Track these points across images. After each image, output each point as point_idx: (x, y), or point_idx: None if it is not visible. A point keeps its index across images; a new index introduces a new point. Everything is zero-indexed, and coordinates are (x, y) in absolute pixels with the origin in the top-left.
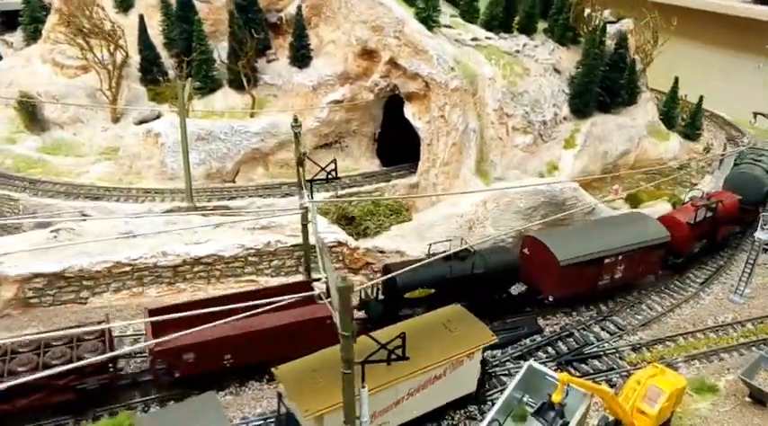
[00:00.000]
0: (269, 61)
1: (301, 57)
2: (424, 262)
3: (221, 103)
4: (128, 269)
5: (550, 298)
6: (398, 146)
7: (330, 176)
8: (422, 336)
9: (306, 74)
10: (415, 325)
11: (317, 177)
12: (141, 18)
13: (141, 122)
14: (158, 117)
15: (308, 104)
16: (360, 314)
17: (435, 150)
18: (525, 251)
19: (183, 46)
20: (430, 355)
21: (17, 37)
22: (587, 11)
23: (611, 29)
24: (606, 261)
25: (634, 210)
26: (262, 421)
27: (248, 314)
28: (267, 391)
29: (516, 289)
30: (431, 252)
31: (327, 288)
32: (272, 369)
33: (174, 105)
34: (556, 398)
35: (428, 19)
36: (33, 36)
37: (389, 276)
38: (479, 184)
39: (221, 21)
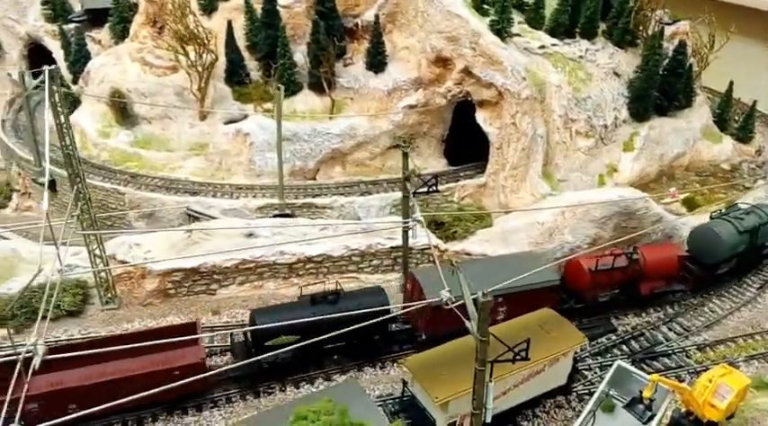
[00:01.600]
0: (345, 65)
1: (377, 62)
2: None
3: (302, 105)
4: (251, 265)
5: (423, 337)
6: (464, 146)
7: (431, 189)
8: (523, 337)
9: (381, 78)
10: (516, 326)
11: (420, 190)
12: (229, 23)
13: (230, 122)
14: (245, 117)
15: (384, 107)
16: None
17: (505, 154)
18: (407, 286)
19: (267, 50)
20: (535, 354)
21: (104, 34)
22: (646, 14)
23: (667, 30)
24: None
25: (530, 251)
26: (381, 402)
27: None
28: (382, 376)
29: (398, 326)
30: (302, 295)
31: (456, 298)
32: (402, 360)
33: (260, 106)
34: (646, 394)
35: (502, 30)
36: (121, 35)
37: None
38: (545, 187)
39: (300, 25)
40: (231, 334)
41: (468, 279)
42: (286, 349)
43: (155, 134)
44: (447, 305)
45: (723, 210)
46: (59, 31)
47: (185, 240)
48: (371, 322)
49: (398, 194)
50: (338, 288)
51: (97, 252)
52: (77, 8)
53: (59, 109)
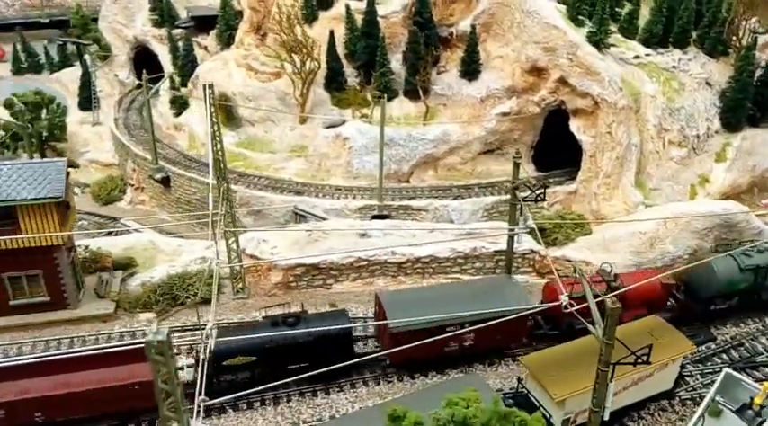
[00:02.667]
0: (439, 73)
1: (471, 70)
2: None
3: (397, 111)
4: (364, 263)
5: (388, 362)
6: (553, 152)
7: (539, 198)
8: (636, 343)
9: (474, 86)
10: (627, 332)
11: (527, 199)
12: (332, 33)
13: (330, 126)
14: (343, 122)
15: (476, 114)
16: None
17: (599, 163)
18: (376, 308)
19: (366, 58)
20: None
21: (210, 40)
22: (739, 23)
23: (760, 40)
24: (450, 329)
25: (503, 275)
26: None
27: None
28: (491, 373)
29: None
30: (266, 315)
31: (573, 299)
32: (519, 358)
33: (357, 111)
34: (758, 401)
35: (599, 42)
36: (227, 41)
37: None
38: (638, 195)
39: (396, 34)
40: (196, 351)
41: (434, 304)
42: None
43: (258, 136)
44: (567, 308)
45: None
46: (168, 36)
47: (306, 238)
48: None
49: (490, 198)
50: (302, 310)
51: (233, 246)
52: (183, 14)
53: (213, 118)
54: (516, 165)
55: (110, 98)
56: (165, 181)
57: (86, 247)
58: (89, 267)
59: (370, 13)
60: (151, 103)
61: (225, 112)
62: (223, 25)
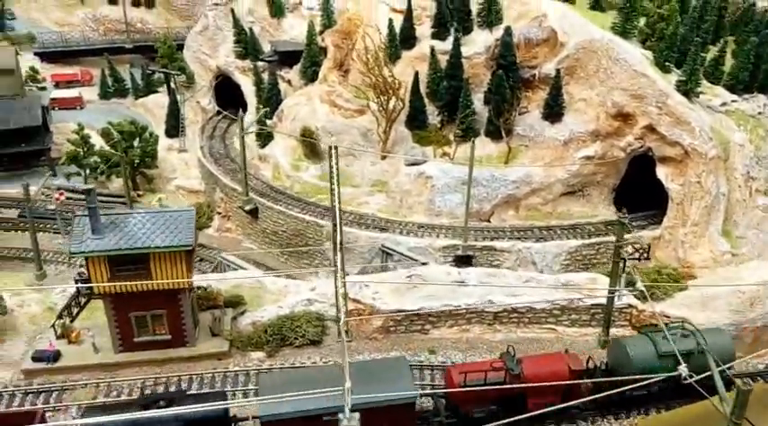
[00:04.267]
0: (521, 114)
1: (554, 113)
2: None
3: (479, 151)
4: (462, 311)
5: None
6: (634, 194)
7: (642, 257)
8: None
9: (557, 128)
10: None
11: (631, 257)
12: (416, 74)
13: (412, 164)
14: (425, 161)
15: (559, 156)
16: None
17: (686, 211)
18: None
19: (449, 98)
20: None
21: (293, 74)
22: None
23: None
24: (326, 419)
25: (400, 356)
26: None
27: None
28: None
29: None
30: (142, 395)
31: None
32: (637, 420)
33: (439, 149)
34: None
35: (689, 91)
36: (311, 77)
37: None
38: (725, 244)
39: (478, 75)
40: None
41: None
42: None
43: (340, 170)
44: (685, 379)
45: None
46: (253, 69)
47: (406, 284)
48: None
49: (573, 242)
50: (181, 389)
51: (342, 291)
52: (266, 48)
53: (333, 163)
54: (621, 225)
55: (193, 125)
56: (254, 213)
57: (200, 288)
58: (201, 304)
59: (455, 55)
60: (235, 134)
61: (308, 146)
62: (308, 61)
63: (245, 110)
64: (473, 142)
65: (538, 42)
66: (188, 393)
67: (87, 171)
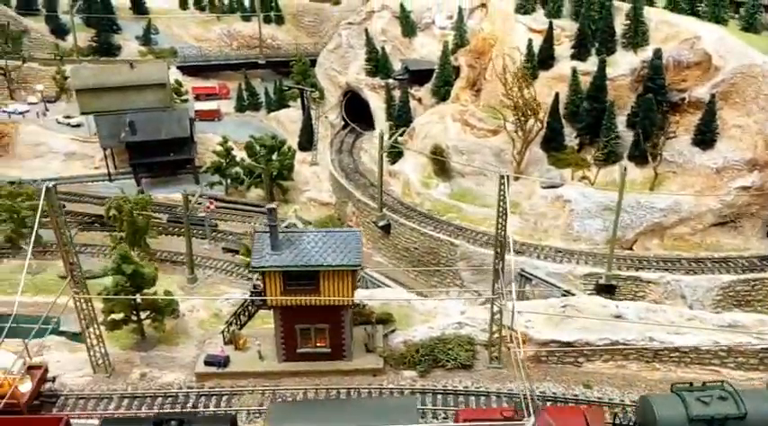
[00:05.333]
0: (668, 138)
1: (707, 139)
2: None
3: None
4: (620, 346)
5: None
6: None
7: None
8: None
9: (709, 155)
10: None
11: None
12: (557, 95)
13: (548, 186)
14: (562, 184)
15: (711, 185)
16: None
17: None
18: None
19: (590, 121)
20: None
21: (424, 92)
22: None
23: None
24: None
25: (411, 397)
26: None
27: None
28: None
29: None
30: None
31: None
32: None
33: (576, 171)
34: None
35: None
36: (443, 95)
37: None
38: None
39: (621, 97)
40: None
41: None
42: None
43: (470, 189)
44: None
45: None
46: (384, 87)
47: (560, 313)
48: None
49: (726, 277)
50: (191, 412)
51: (497, 317)
52: (396, 66)
53: (503, 209)
54: None
55: (323, 139)
56: (387, 228)
57: (357, 304)
58: (355, 320)
59: (600, 77)
60: (362, 148)
61: (438, 164)
62: (440, 80)
63: (371, 125)
64: (624, 168)
65: (688, 65)
66: (198, 415)
67: (229, 180)
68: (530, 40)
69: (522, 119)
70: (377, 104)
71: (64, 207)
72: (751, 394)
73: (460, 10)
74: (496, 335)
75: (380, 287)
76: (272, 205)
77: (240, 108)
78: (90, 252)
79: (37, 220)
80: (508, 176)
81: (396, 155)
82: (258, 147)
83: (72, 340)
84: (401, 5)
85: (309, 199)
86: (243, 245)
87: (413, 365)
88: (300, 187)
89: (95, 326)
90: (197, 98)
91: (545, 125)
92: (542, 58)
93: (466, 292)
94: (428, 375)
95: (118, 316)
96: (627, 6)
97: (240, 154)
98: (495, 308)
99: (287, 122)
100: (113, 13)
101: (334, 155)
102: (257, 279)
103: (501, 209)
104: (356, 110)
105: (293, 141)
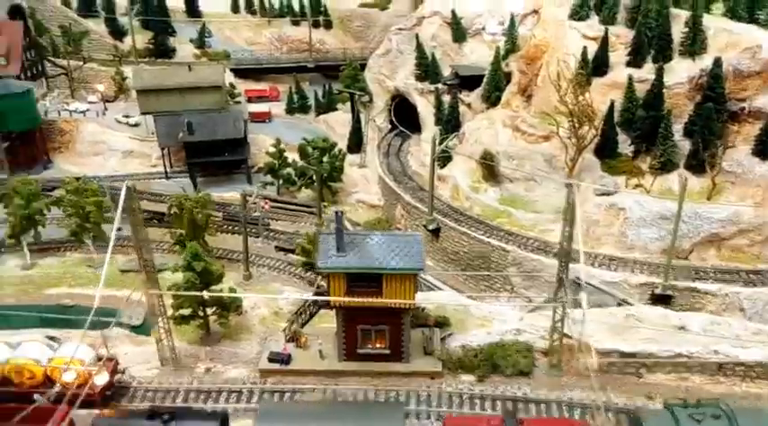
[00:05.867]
0: (727, 148)
1: (767, 149)
2: None
3: (676, 184)
4: (683, 359)
5: None
6: None
7: None
8: None
9: None
10: None
11: None
12: (612, 103)
13: (602, 194)
14: (616, 192)
15: None
16: None
17: None
18: None
19: (645, 129)
20: None
21: (473, 97)
22: None
23: None
24: None
25: (397, 403)
26: None
27: None
28: None
29: None
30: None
31: None
32: None
33: (630, 179)
34: None
35: None
36: (493, 101)
37: None
38: None
39: (678, 106)
40: None
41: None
42: None
43: (519, 194)
44: None
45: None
46: (434, 91)
47: (622, 323)
48: None
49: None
50: (186, 406)
51: (558, 325)
52: (445, 71)
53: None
54: None
55: (371, 142)
56: (436, 232)
57: (416, 307)
58: (412, 322)
59: (658, 85)
60: (410, 152)
61: (487, 169)
62: (491, 86)
63: (417, 129)
64: (684, 177)
65: (749, 74)
66: (192, 410)
67: (281, 181)
68: (584, 47)
69: (577, 125)
70: (425, 109)
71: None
72: (749, 413)
73: (512, 16)
74: (557, 343)
75: (433, 289)
76: (340, 209)
77: (290, 110)
78: (150, 248)
79: (118, 217)
80: (575, 184)
81: (445, 159)
82: (310, 149)
83: (132, 332)
84: (453, 12)
85: (358, 200)
86: (298, 245)
87: (471, 369)
88: (349, 189)
89: (165, 321)
90: (249, 100)
91: (599, 132)
92: (597, 65)
93: (524, 298)
94: (486, 380)
95: (186, 312)
96: (685, 14)
97: (291, 155)
98: (558, 316)
99: (335, 125)
100: (169, 16)
101: (382, 158)
102: (321, 280)
103: (567, 218)
104: (403, 114)
105: (342, 144)
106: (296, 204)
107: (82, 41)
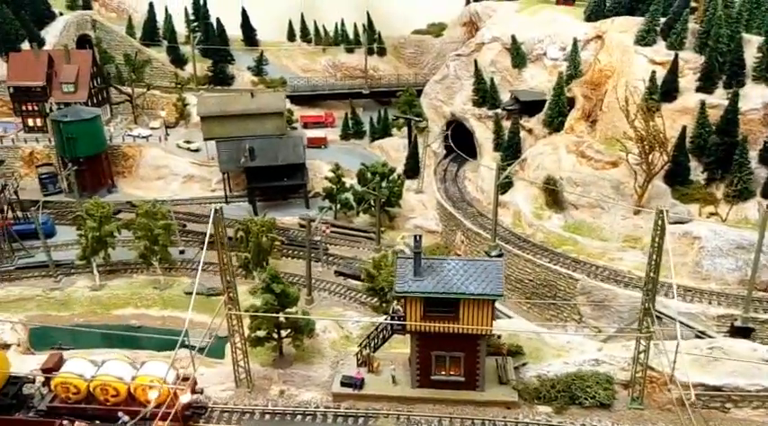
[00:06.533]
0: None
1: None
2: None
3: (753, 212)
4: None
5: None
6: None
7: None
8: None
9: None
10: None
11: None
12: (684, 129)
13: (675, 222)
14: (690, 220)
15: None
16: None
17: None
18: None
19: (719, 155)
20: None
21: (534, 123)
22: None
23: None
24: None
25: None
26: None
27: None
28: None
29: None
30: None
31: None
32: None
33: (703, 207)
34: None
35: None
36: (556, 126)
37: None
38: None
39: (753, 132)
40: None
41: None
42: None
43: (585, 221)
44: None
45: None
46: (493, 117)
47: (706, 355)
48: None
49: None
50: None
51: (641, 357)
52: (504, 97)
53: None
54: None
55: (427, 168)
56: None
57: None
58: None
59: (732, 110)
60: (467, 177)
61: (551, 195)
62: (554, 111)
63: (471, 155)
64: (765, 206)
65: None
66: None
67: (338, 206)
68: (653, 72)
69: (647, 151)
70: (482, 134)
71: (185, 226)
72: None
73: (575, 41)
74: (639, 374)
75: (501, 317)
76: (416, 233)
77: (345, 136)
78: (213, 271)
79: (212, 239)
80: (666, 211)
81: (506, 185)
82: (370, 174)
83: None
84: (513, 37)
85: (416, 226)
86: (363, 270)
87: (548, 400)
88: (406, 214)
89: (243, 342)
90: (305, 126)
91: (670, 158)
92: (666, 90)
93: (598, 328)
94: (565, 412)
95: (262, 333)
96: (757, 39)
97: (347, 180)
98: (641, 346)
99: (390, 150)
100: (228, 44)
101: (439, 183)
102: (398, 304)
103: (655, 246)
104: (459, 140)
105: (398, 169)
106: (354, 229)
107: (144, 69)
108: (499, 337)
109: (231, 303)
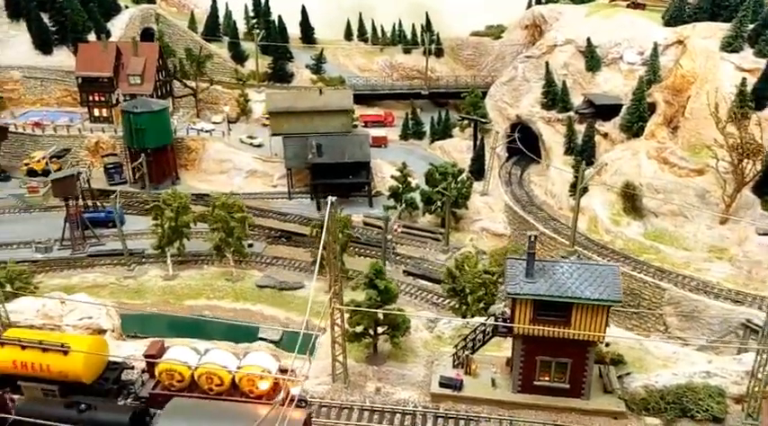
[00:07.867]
0: None
1: None
2: None
3: None
4: None
5: None
6: None
7: None
8: None
9: None
10: None
11: None
12: None
13: (765, 233)
14: None
15: None
16: None
17: None
18: None
19: None
20: None
21: (611, 127)
22: None
23: None
24: None
25: None
26: None
27: None
28: None
29: None
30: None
31: None
32: None
33: None
34: None
35: None
36: (635, 132)
37: None
38: None
39: None
40: None
41: None
42: None
43: (667, 230)
44: None
45: None
46: (566, 120)
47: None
48: None
49: None
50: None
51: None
52: (575, 100)
53: None
54: None
55: (492, 170)
56: None
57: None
58: None
59: None
60: (532, 181)
61: (629, 201)
62: (634, 116)
63: (537, 157)
64: None
65: None
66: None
67: (404, 205)
68: (743, 79)
69: (737, 160)
70: (551, 138)
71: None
72: None
73: (655, 46)
74: (756, 389)
75: None
76: (534, 233)
77: (404, 136)
78: (281, 265)
79: (324, 234)
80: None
81: (581, 190)
82: (438, 175)
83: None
84: (588, 40)
85: (482, 228)
86: (446, 269)
87: (657, 412)
88: (472, 216)
89: (343, 337)
90: (365, 125)
91: (764, 167)
92: (757, 98)
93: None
94: (675, 424)
95: (359, 329)
96: None
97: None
98: (762, 360)
99: (452, 151)
100: (288, 42)
101: (505, 186)
102: (505, 306)
103: None
104: (522, 143)
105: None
106: (422, 229)
107: (206, 64)
108: (608, 345)
109: (335, 297)
